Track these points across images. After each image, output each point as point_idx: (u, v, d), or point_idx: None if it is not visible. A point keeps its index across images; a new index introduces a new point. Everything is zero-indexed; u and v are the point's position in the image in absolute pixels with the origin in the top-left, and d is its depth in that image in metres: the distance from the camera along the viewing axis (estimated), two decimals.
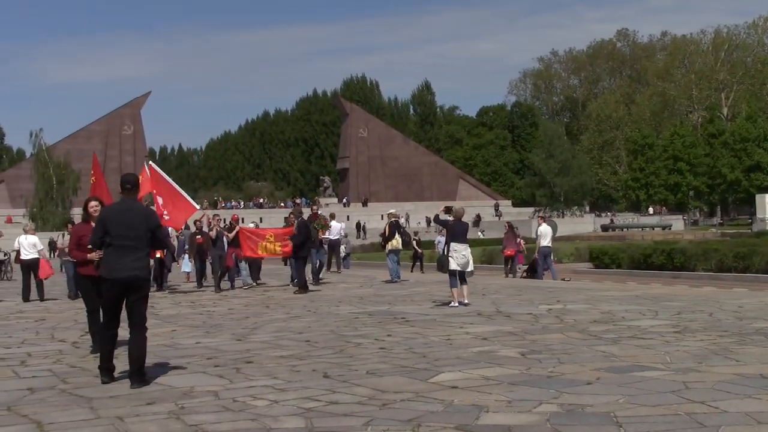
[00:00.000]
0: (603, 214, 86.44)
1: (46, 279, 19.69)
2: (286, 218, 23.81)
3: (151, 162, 21.62)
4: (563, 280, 24.12)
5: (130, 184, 8.43)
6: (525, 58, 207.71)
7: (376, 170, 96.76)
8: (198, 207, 20.94)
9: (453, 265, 15.06)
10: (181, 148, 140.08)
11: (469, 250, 15.42)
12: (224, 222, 24.20)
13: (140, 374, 7.93)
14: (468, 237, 15.63)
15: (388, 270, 23.06)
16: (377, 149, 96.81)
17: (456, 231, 15.29)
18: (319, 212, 23.71)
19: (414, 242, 32.42)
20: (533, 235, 53.08)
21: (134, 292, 8.06)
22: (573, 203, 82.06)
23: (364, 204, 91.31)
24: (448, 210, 16.13)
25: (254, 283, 22.00)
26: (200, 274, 22.49)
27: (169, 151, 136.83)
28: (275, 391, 7.41)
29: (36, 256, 19.49)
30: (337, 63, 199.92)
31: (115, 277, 7.99)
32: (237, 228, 22.14)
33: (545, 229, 25.40)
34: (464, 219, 16.02)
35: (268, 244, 21.44)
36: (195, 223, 22.74)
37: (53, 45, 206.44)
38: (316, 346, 10.29)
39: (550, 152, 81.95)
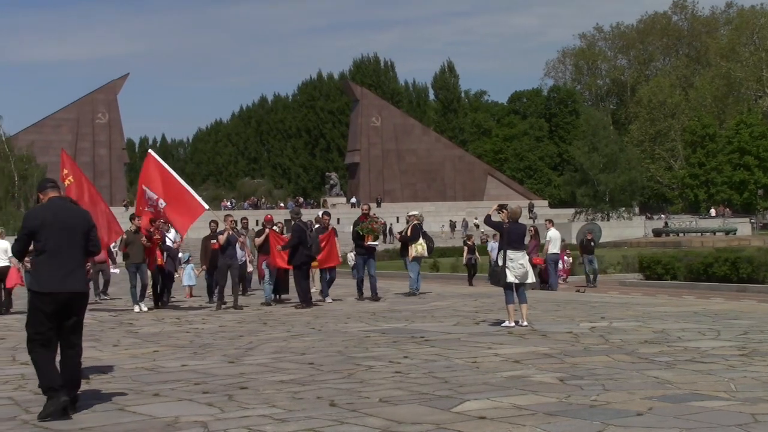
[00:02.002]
0: (655, 217, 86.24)
1: (13, 288, 20.72)
2: (287, 220, 23.09)
3: (150, 150, 21.12)
4: (577, 291, 24.32)
5: (52, 182, 8.52)
6: (565, 35, 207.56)
7: (390, 165, 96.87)
8: (207, 207, 20.20)
9: (510, 278, 14.66)
10: (164, 140, 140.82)
11: (527, 258, 15.08)
12: (238, 224, 23.17)
13: (76, 400, 8.04)
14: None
15: (410, 280, 22.91)
16: (392, 141, 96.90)
17: (512, 236, 14.84)
18: (371, 213, 22.63)
19: (466, 248, 31.64)
20: (573, 241, 53.08)
21: (75, 309, 8.07)
22: (620, 204, 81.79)
23: (378, 204, 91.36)
24: (501, 209, 15.72)
25: (272, 300, 21.23)
26: (215, 287, 21.49)
27: (150, 142, 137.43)
28: (274, 421, 7.43)
29: (7, 263, 20.32)
30: (345, 40, 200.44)
31: (55, 290, 7.90)
32: (267, 231, 21.35)
33: (554, 234, 26.91)
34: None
35: None
36: (210, 224, 22.21)
37: (15, 18, 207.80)
38: (321, 369, 10.31)
39: (593, 144, 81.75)
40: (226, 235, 20.32)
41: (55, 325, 8.01)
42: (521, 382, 9.04)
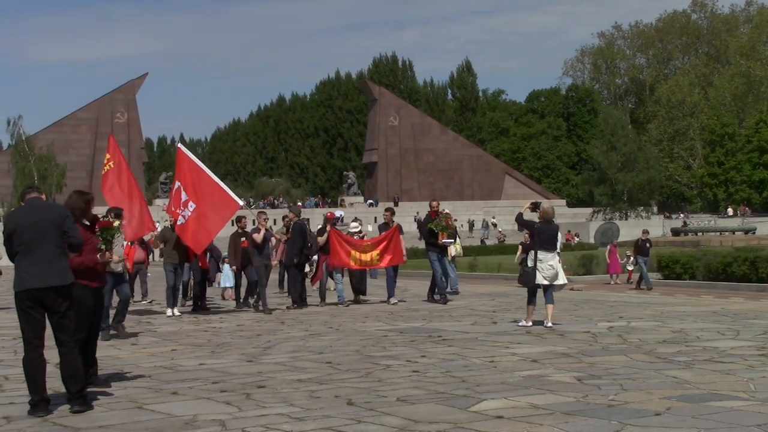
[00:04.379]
0: (674, 216, 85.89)
1: None
2: (283, 217, 21.64)
3: (180, 144, 19.79)
4: (571, 289, 24.11)
5: (31, 187, 8.72)
6: (583, 34, 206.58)
7: (408, 165, 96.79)
8: (242, 203, 19.14)
9: (539, 279, 14.52)
10: (182, 139, 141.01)
11: (557, 259, 14.79)
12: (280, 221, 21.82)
13: (82, 396, 8.11)
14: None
15: (451, 280, 22.28)
16: (410, 140, 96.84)
17: (543, 236, 14.64)
18: (441, 209, 21.06)
19: (521, 246, 28.53)
20: (591, 240, 52.85)
21: (56, 305, 8.10)
22: (638, 203, 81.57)
23: (395, 203, 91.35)
24: (535, 207, 15.45)
25: (346, 301, 20.11)
26: (239, 287, 20.77)
27: (168, 142, 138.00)
28: (291, 420, 7.45)
29: None
30: (363, 40, 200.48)
31: (29, 287, 8.02)
32: (329, 230, 20.09)
33: None
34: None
35: (362, 254, 20.01)
36: (238, 221, 20.62)
37: (36, 18, 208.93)
38: (338, 368, 10.33)
39: (611, 144, 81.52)
40: (262, 233, 19.25)
41: (43, 324, 8.12)
42: (539, 382, 9.04)
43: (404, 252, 20.71)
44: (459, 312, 17.62)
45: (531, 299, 14.70)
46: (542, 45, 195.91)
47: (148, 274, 23.08)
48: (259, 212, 19.91)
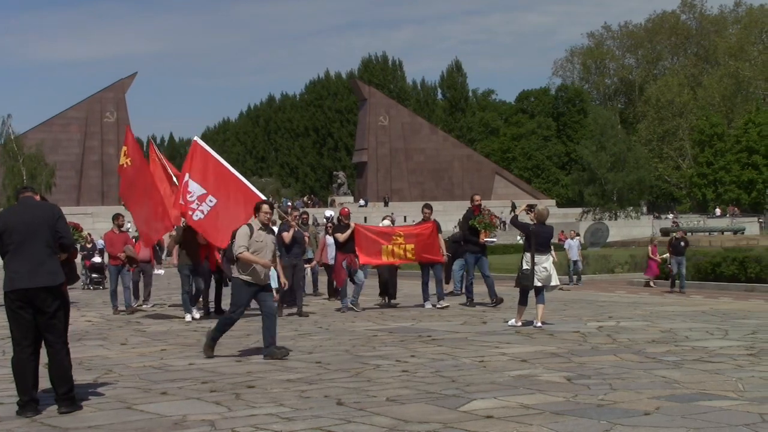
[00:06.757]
0: (663, 216, 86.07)
1: None
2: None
3: (196, 138, 18.67)
4: (561, 289, 23.99)
5: (25, 188, 8.70)
6: (575, 34, 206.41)
7: (398, 164, 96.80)
8: (263, 197, 17.53)
9: (535, 281, 14.52)
10: (172, 138, 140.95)
11: (551, 260, 14.80)
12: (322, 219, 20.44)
13: (69, 398, 8.07)
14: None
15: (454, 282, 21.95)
16: (400, 140, 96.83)
17: (539, 238, 14.60)
18: (483, 205, 19.46)
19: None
20: (581, 241, 52.81)
21: (46, 305, 8.05)
22: (628, 203, 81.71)
23: (385, 204, 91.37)
24: (530, 209, 15.40)
25: (359, 308, 18.53)
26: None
27: (158, 141, 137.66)
28: (281, 420, 7.44)
29: None
30: (358, 39, 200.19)
31: (19, 287, 7.97)
32: (353, 226, 18.75)
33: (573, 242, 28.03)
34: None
35: (395, 247, 18.55)
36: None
37: (25, 18, 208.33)
38: (328, 368, 10.32)
39: (601, 144, 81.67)
40: (291, 232, 17.95)
41: (32, 324, 8.06)
42: (528, 382, 9.04)
43: (444, 251, 19.31)
44: (449, 312, 17.62)
45: (523, 299, 14.72)
46: (532, 45, 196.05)
47: (157, 272, 22.01)
48: (291, 209, 18.62)
